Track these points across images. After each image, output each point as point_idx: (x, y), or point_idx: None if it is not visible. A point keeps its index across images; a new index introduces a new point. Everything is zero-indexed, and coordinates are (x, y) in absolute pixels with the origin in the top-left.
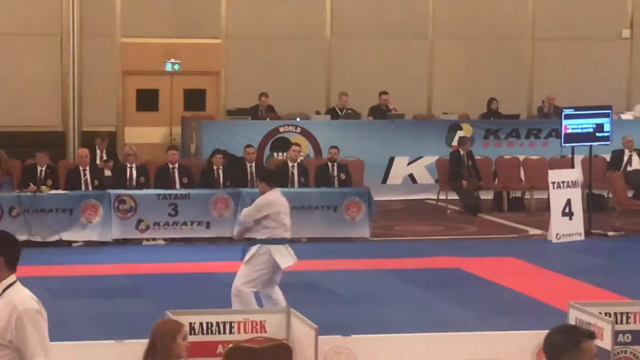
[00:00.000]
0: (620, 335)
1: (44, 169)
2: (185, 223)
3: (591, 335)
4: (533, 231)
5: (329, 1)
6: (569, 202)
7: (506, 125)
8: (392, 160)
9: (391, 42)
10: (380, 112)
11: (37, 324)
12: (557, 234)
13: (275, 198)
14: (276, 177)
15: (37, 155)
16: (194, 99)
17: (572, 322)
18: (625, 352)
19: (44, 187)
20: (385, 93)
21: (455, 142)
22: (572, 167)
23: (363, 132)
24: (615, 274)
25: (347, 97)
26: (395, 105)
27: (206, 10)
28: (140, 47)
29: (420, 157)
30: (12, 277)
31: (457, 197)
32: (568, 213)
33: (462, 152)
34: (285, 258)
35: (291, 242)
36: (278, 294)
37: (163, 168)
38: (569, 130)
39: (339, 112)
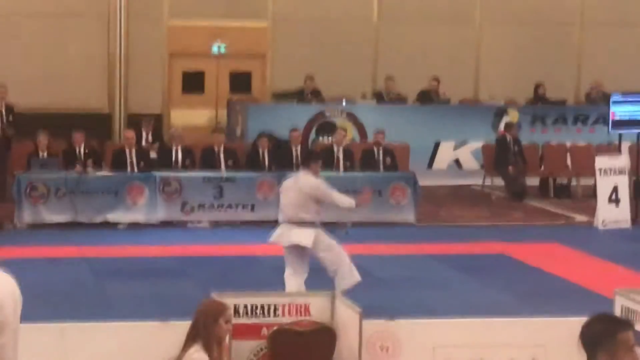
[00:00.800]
0: None
1: (82, 148)
2: (230, 206)
3: (629, 326)
4: (579, 218)
5: None
6: (615, 189)
7: (553, 111)
8: (437, 145)
9: (438, 26)
10: (427, 96)
11: None
12: (603, 221)
13: None
14: None
15: (73, 135)
16: (240, 82)
17: (617, 309)
18: None
19: (89, 168)
20: (436, 79)
21: (502, 128)
22: (620, 153)
23: (409, 117)
24: None
25: (394, 81)
26: (442, 90)
27: None
28: (187, 30)
29: (466, 143)
30: None
31: (503, 183)
32: (615, 200)
33: (509, 138)
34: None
35: (336, 225)
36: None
37: (208, 150)
38: (617, 117)
39: (385, 97)
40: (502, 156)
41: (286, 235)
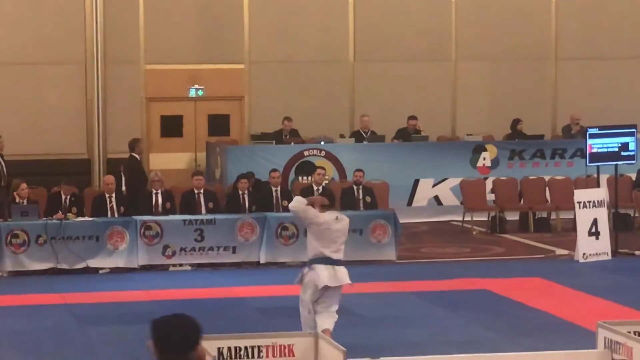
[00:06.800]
0: None
1: (68, 196)
2: (211, 248)
3: None
4: (560, 251)
5: (352, 24)
6: (595, 222)
7: (531, 146)
8: (417, 182)
9: (414, 64)
10: (405, 134)
11: None
12: (583, 254)
13: None
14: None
15: (62, 187)
16: (218, 124)
17: (601, 341)
18: None
19: (70, 214)
20: (413, 118)
21: (480, 164)
22: (598, 186)
23: (387, 155)
24: None
25: (368, 117)
26: (420, 127)
27: (229, 36)
28: (164, 74)
29: (445, 179)
30: None
31: (482, 219)
32: (594, 233)
33: None
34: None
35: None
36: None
37: (188, 194)
38: (594, 150)
39: (364, 135)
40: None
41: None
